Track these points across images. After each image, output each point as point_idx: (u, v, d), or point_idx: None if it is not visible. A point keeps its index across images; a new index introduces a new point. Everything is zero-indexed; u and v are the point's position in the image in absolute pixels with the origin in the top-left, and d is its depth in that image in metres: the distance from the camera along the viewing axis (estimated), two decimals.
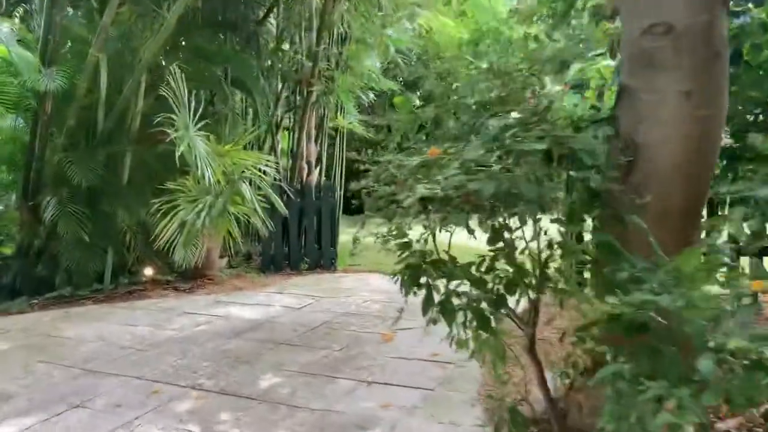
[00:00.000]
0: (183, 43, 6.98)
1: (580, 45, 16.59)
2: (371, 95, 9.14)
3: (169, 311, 5.84)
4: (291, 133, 8.42)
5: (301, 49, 7.87)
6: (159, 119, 5.91)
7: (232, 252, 7.45)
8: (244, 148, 6.70)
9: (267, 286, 6.89)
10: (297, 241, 7.89)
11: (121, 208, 6.65)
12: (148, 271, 6.68)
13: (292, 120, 8.45)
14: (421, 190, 2.31)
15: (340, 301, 6.10)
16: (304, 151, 8.02)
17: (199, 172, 5.79)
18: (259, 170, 6.74)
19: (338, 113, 8.36)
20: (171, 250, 6.03)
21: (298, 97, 8.15)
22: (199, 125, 6.06)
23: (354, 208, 10.59)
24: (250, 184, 6.43)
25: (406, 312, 2.78)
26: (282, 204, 6.89)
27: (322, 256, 7.93)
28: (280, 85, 8.27)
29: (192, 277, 6.76)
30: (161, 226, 6.00)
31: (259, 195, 6.46)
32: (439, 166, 2.48)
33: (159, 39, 6.22)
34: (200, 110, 6.20)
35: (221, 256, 7.33)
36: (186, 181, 6.28)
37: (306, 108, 7.74)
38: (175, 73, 5.96)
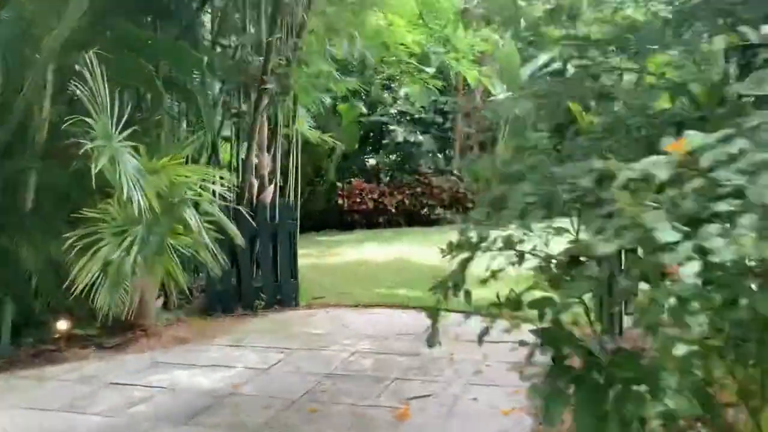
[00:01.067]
0: (103, 31, 5.51)
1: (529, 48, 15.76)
2: (327, 98, 7.89)
3: (91, 381, 4.38)
4: (236, 143, 7.03)
5: (248, 40, 6.53)
6: (73, 128, 4.47)
7: (170, 291, 6.01)
8: (186, 162, 5.31)
9: (218, 335, 5.49)
10: (250, 273, 6.52)
11: (25, 244, 5.12)
12: (62, 325, 5.14)
13: (234, 127, 7.06)
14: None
15: (318, 354, 4.79)
16: (253, 163, 6.66)
17: (126, 194, 4.39)
18: (205, 189, 5.36)
19: (291, 118, 7.04)
20: (92, 295, 4.57)
21: (242, 100, 6.78)
22: (125, 134, 4.65)
23: (308, 226, 9.18)
24: (196, 208, 5.04)
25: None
26: (237, 232, 5.53)
27: (280, 291, 6.59)
28: (218, 85, 6.89)
29: (121, 330, 5.27)
30: (78, 265, 4.55)
31: (207, 221, 5.08)
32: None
33: (68, 23, 4.76)
34: (126, 115, 4.80)
35: (157, 297, 5.88)
36: (109, 206, 4.84)
37: (257, 112, 6.39)
38: (92, 67, 4.54)
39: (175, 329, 5.64)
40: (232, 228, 5.53)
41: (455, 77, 14.47)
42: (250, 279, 6.50)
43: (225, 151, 7.38)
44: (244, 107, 6.73)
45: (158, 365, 4.69)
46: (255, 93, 6.51)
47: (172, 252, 4.88)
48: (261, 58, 6.41)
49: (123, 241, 4.59)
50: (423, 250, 10.51)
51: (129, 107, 5.17)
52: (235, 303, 6.39)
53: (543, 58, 14.71)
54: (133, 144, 4.74)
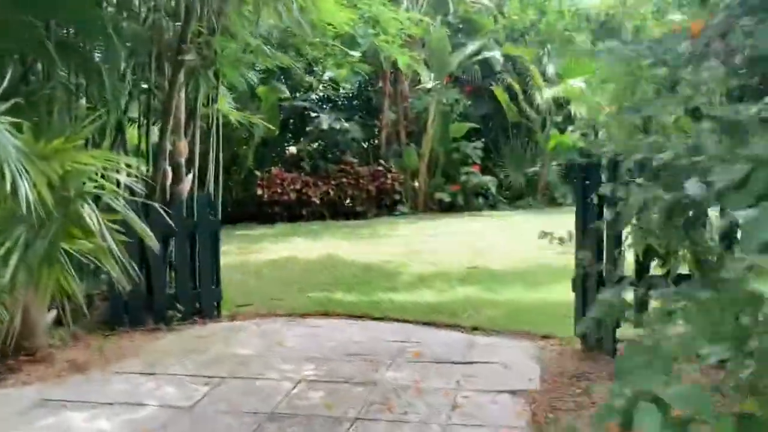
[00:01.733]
0: None
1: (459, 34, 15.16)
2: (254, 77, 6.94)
3: None
4: (146, 124, 5.96)
5: (162, 2, 5.49)
6: None
7: (64, 303, 4.93)
8: (85, 145, 4.26)
9: (125, 358, 4.49)
10: (163, 279, 5.52)
11: None
12: None
13: (144, 105, 6.00)
14: None
15: (253, 386, 3.91)
16: (167, 148, 5.64)
17: (8, 185, 3.35)
18: (109, 180, 4.34)
19: (212, 97, 6.04)
20: None
21: (155, 73, 5.73)
22: (3, 107, 3.59)
23: (225, 219, 8.17)
24: (96, 202, 4.03)
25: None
26: (148, 231, 4.54)
27: (200, 299, 5.63)
28: (126, 55, 5.80)
29: (1, 356, 4.19)
30: None
31: (110, 220, 4.08)
32: None
33: None
34: (4, 84, 3.74)
35: (48, 309, 4.79)
36: None
37: (172, 88, 5.37)
38: None
39: (71, 351, 4.59)
40: (142, 226, 4.52)
41: (384, 62, 13.71)
42: (164, 286, 5.50)
43: (133, 134, 6.29)
44: (156, 82, 5.69)
45: (47, 404, 3.68)
46: (170, 65, 5.49)
47: (66, 258, 3.86)
48: (178, 24, 5.40)
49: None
50: (353, 245, 9.75)
51: (9, 75, 4.09)
52: (145, 314, 5.38)
53: (472, 46, 14.22)
54: (16, 120, 3.69)
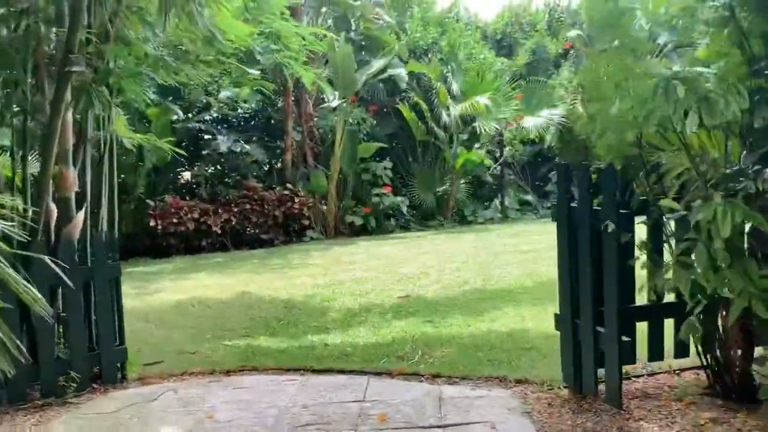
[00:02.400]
0: None
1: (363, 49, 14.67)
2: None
3: None
4: (20, 153, 4.89)
5: (36, 3, 4.49)
6: None
7: None
8: None
9: None
10: (51, 341, 4.47)
11: None
12: None
13: (19, 131, 4.93)
14: None
15: None
16: (50, 181, 4.63)
17: None
18: None
19: (106, 118, 5.07)
20: None
21: (33, 90, 4.71)
22: None
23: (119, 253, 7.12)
24: None
25: None
26: (28, 286, 3.54)
27: (100, 361, 4.62)
28: None
29: None
30: None
31: None
32: None
33: None
34: None
35: None
36: None
37: (58, 107, 4.39)
38: None
39: None
40: (21, 284, 3.53)
41: (287, 79, 12.97)
42: (53, 350, 4.45)
43: (5, 165, 5.19)
44: (35, 101, 4.67)
45: None
46: (53, 81, 4.51)
47: None
48: (62, 30, 4.44)
49: None
50: (267, 279, 8.89)
51: None
52: (29, 387, 4.32)
53: (378, 63, 13.79)
54: None
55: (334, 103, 13.81)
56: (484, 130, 14.11)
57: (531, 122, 14.68)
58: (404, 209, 14.10)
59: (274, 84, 12.22)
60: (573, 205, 3.33)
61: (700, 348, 3.35)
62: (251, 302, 7.44)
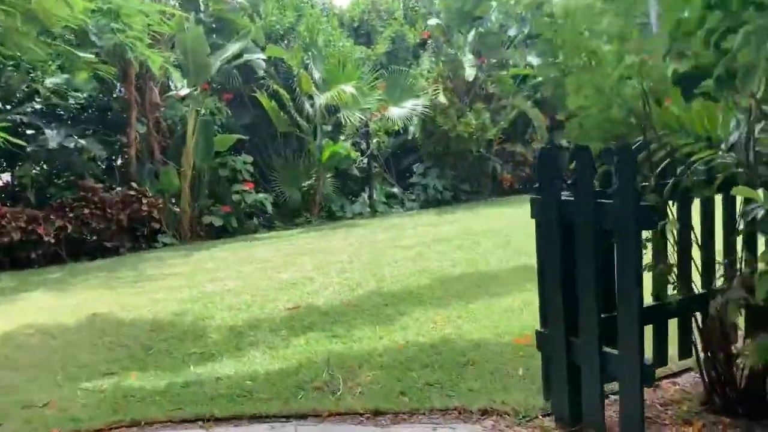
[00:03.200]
0: None
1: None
2: None
3: None
4: None
5: None
6: None
7: None
8: None
9: None
10: None
11: None
12: None
13: None
14: None
15: None
16: None
17: None
18: None
19: None
20: None
21: None
22: None
23: None
24: None
25: None
26: None
27: None
28: None
29: None
30: None
31: None
32: None
33: None
34: None
35: None
36: None
37: None
38: None
39: None
40: None
41: (127, 64, 11.37)
42: None
43: None
44: None
45: None
46: None
47: None
48: None
49: None
50: (120, 296, 7.53)
51: None
52: None
53: (233, 48, 12.58)
54: None
55: (184, 91, 12.38)
56: (350, 120, 13.42)
57: (396, 113, 14.23)
58: (268, 207, 13.03)
59: (114, 69, 10.64)
60: (565, 197, 2.68)
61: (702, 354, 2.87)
62: (105, 327, 6.14)
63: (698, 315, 2.91)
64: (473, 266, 7.64)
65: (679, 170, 2.75)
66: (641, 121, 2.64)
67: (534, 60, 15.43)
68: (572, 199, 2.62)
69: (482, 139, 15.22)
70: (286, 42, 14.20)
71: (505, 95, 16.29)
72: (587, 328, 2.65)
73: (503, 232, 9.89)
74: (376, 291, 6.79)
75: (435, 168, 15.29)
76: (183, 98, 12.56)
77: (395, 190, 15.25)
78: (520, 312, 5.53)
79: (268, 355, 4.88)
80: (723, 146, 2.74)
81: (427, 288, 6.72)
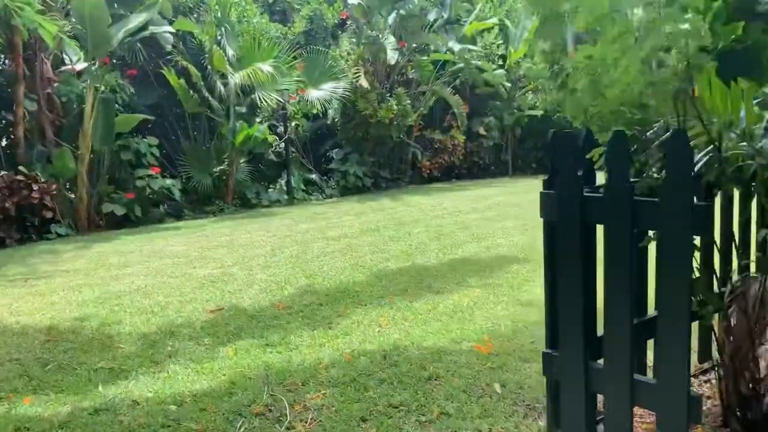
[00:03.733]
0: None
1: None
2: None
3: None
4: None
5: None
6: None
7: None
8: None
9: None
10: None
11: None
12: None
13: None
14: None
15: None
16: None
17: None
18: None
19: None
20: None
21: None
22: None
23: None
24: None
25: None
26: None
27: None
28: None
29: None
30: None
31: None
32: None
33: None
34: None
35: None
36: None
37: None
38: None
39: None
40: None
41: (12, 33, 10.06)
42: None
43: None
44: None
45: None
46: None
47: None
48: None
49: None
50: (6, 298, 6.53)
51: None
52: None
53: (138, 19, 11.43)
54: None
55: (81, 65, 11.14)
56: (266, 102, 12.61)
57: (315, 95, 13.54)
58: (176, 193, 12.04)
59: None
60: (589, 193, 2.20)
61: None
62: None
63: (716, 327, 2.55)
64: (408, 259, 7.20)
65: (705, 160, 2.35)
66: (675, 102, 2.21)
67: (455, 46, 15.15)
68: (599, 195, 2.17)
69: (403, 125, 14.82)
70: (195, 16, 13.15)
71: (425, 81, 15.96)
72: (616, 351, 2.20)
73: (434, 222, 9.52)
74: (307, 289, 6.20)
75: (354, 154, 14.75)
76: (80, 73, 11.31)
77: (314, 176, 14.58)
78: (470, 312, 5.12)
79: (191, 370, 4.21)
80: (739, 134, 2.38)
81: (364, 285, 6.20)
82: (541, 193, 2.41)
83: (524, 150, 18.31)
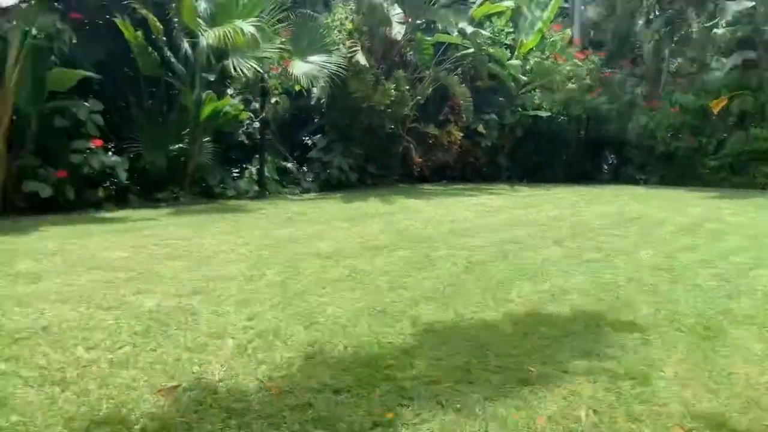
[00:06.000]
0: None
1: None
2: None
3: None
4: None
5: None
6: None
7: None
8: None
9: None
10: None
11: None
12: None
13: None
14: None
15: None
16: None
17: None
18: None
19: None
20: None
21: None
22: None
23: None
24: None
25: None
26: None
27: None
28: None
29: None
30: None
31: None
32: None
33: None
34: None
35: None
36: None
37: None
38: None
39: None
40: None
41: None
42: None
43: None
44: None
45: None
46: None
47: None
48: None
49: None
50: None
51: None
52: None
53: None
54: None
55: (8, 1, 8.63)
56: (241, 71, 10.30)
57: (301, 68, 11.28)
58: (121, 174, 9.66)
59: None
60: None
61: None
62: None
63: None
64: (447, 306, 5.08)
65: None
66: None
67: (467, 27, 13.08)
68: None
69: (399, 114, 12.71)
70: None
71: (424, 65, 13.88)
72: None
73: (455, 242, 7.44)
74: (310, 352, 4.03)
75: (339, 143, 12.58)
76: (5, 10, 8.77)
77: (290, 165, 12.35)
78: None
79: None
80: None
81: (398, 352, 4.06)
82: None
83: (524, 154, 16.47)
